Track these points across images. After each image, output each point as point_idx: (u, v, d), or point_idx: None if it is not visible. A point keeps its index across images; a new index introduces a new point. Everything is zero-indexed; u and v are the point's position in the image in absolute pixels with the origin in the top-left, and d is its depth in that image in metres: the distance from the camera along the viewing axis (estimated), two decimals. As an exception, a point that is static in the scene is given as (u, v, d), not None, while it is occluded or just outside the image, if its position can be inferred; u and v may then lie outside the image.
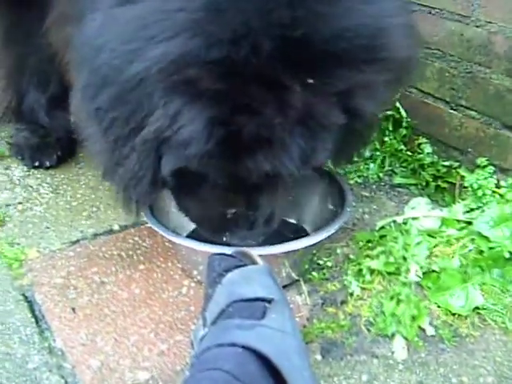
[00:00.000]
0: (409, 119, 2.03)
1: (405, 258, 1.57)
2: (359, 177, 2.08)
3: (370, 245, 1.69)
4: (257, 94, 1.30)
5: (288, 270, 1.58)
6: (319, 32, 1.29)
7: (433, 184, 1.96)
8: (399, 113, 2.03)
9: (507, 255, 1.57)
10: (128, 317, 1.56)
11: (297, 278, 1.61)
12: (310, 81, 1.32)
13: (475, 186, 1.78)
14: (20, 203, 1.99)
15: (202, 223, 1.63)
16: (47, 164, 2.12)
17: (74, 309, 1.57)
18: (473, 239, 1.64)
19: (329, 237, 1.59)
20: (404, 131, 2.04)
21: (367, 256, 1.63)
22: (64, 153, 2.16)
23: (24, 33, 2.02)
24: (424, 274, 1.55)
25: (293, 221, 1.86)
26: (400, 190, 2.04)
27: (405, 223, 1.70)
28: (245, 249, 1.42)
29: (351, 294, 1.55)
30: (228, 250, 1.42)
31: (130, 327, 1.52)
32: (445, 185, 1.94)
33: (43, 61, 2.03)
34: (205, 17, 1.27)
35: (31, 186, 2.07)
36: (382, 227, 1.74)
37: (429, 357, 1.43)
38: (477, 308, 1.53)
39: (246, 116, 1.30)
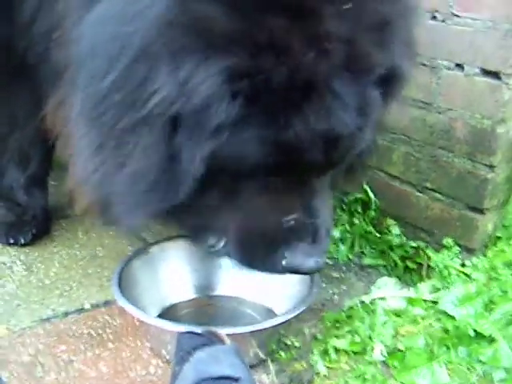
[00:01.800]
0: (377, 201, 2.10)
1: (371, 338, 1.60)
2: (329, 258, 2.11)
3: (337, 325, 1.71)
4: (280, 26, 1.05)
5: (255, 349, 1.58)
6: None
7: (401, 264, 2.00)
8: (367, 195, 2.09)
9: (472, 333, 1.59)
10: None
11: (264, 357, 1.61)
12: (346, 6, 1.11)
13: (441, 266, 1.83)
14: (-8, 280, 2.00)
15: (249, 246, 1.29)
16: (22, 241, 2.12)
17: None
18: (439, 318, 1.68)
19: (296, 317, 1.60)
20: (373, 213, 2.10)
21: (334, 336, 1.65)
22: (39, 230, 2.16)
23: (9, 115, 2.02)
24: (390, 353, 1.57)
25: (261, 302, 1.87)
26: (369, 270, 2.07)
27: (372, 303, 1.74)
28: (213, 328, 1.41)
29: (318, 374, 1.55)
30: (196, 329, 1.42)
31: (96, 406, 1.52)
32: (413, 265, 1.98)
33: (26, 141, 2.04)
34: None
35: (4, 263, 2.06)
36: (350, 307, 1.77)
37: None
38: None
39: (271, 56, 1.05)
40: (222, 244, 1.34)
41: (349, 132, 1.15)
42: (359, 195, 2.13)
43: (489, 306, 1.65)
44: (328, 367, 1.56)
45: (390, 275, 2.00)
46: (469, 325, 1.60)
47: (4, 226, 2.16)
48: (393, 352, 1.57)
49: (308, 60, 1.07)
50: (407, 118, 1.97)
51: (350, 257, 2.12)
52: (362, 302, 1.75)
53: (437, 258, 1.83)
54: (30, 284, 1.97)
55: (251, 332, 1.56)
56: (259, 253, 1.29)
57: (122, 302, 1.64)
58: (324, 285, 1.96)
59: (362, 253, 2.12)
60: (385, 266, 2.07)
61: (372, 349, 1.56)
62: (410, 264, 1.99)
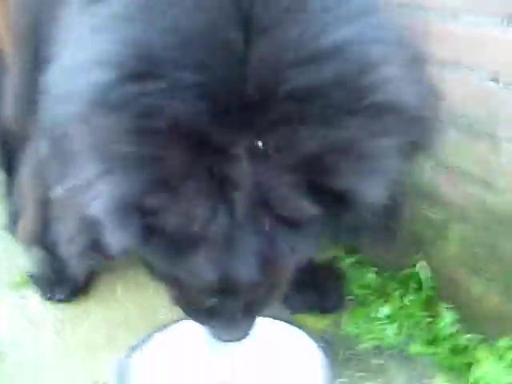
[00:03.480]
0: (430, 281, 1.85)
1: None
2: (372, 339, 1.87)
3: None
4: (180, 163, 0.96)
5: None
6: (274, 72, 0.98)
7: (449, 359, 1.73)
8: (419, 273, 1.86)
9: None
10: None
11: None
12: (259, 143, 0.97)
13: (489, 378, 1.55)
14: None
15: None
16: (58, 298, 2.08)
17: None
18: None
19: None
20: (424, 294, 1.85)
21: None
22: (78, 288, 2.11)
23: None
24: None
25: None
26: (415, 359, 1.81)
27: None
28: None
29: None
30: None
31: None
32: (462, 361, 1.71)
33: None
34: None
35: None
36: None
37: None
38: None
39: (163, 198, 0.99)
40: None
41: (248, 280, 1.05)
42: (413, 271, 1.90)
43: None
44: None
45: (436, 369, 1.74)
46: None
47: (43, 280, 2.14)
48: None
49: (202, 210, 0.97)
50: (461, 194, 1.70)
51: (395, 342, 1.87)
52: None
53: (485, 366, 1.55)
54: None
55: None
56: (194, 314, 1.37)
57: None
58: (361, 374, 1.76)
59: (409, 338, 1.87)
60: (433, 355, 1.81)
61: None
62: (459, 360, 1.72)
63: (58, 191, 1.20)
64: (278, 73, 0.98)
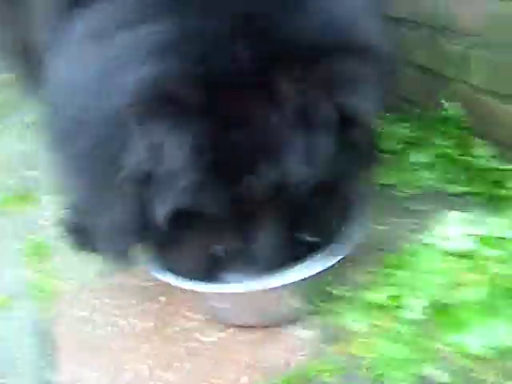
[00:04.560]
0: (461, 118, 1.77)
1: (418, 289, 1.36)
2: (411, 187, 1.83)
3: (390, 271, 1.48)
4: (240, 101, 1.16)
5: (290, 301, 1.44)
6: (292, 27, 1.19)
7: (489, 192, 1.68)
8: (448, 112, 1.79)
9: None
10: (132, 352, 1.53)
11: (301, 310, 1.47)
12: (297, 72, 1.17)
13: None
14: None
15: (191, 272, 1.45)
16: None
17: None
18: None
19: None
20: (457, 132, 1.78)
21: (378, 285, 1.43)
22: None
23: None
24: (439, 308, 1.33)
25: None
26: (456, 200, 1.76)
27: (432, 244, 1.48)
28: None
29: (357, 332, 1.37)
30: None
31: (128, 363, 1.49)
32: (504, 192, 1.65)
33: None
34: (177, 36, 1.18)
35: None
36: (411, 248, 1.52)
37: (435, 408, 1.22)
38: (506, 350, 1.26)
39: (235, 130, 1.16)
40: None
41: (298, 177, 1.20)
42: (445, 114, 1.82)
43: None
44: (369, 325, 1.37)
45: (480, 204, 1.69)
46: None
47: None
48: (444, 307, 1.33)
49: (267, 127, 1.16)
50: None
51: (435, 185, 1.82)
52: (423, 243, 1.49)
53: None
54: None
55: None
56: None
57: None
58: (397, 220, 1.73)
59: (448, 181, 1.82)
60: (476, 193, 1.75)
61: (417, 304, 1.33)
62: (500, 191, 1.66)
63: None
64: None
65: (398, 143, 1.97)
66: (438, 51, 1.79)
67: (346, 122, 1.21)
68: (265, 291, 1.34)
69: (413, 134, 1.95)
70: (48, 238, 2.01)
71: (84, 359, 1.53)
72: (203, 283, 1.43)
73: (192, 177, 1.18)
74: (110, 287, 1.76)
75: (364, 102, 1.23)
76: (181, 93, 1.14)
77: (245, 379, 1.37)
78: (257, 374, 1.37)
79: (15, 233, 2.12)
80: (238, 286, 1.40)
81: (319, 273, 1.40)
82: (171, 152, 1.16)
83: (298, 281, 1.38)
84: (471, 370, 1.24)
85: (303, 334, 1.44)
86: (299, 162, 1.19)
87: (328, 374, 1.33)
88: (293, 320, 1.46)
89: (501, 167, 1.69)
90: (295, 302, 1.45)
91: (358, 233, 1.46)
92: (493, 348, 1.25)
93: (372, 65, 1.23)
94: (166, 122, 1.16)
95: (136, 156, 1.20)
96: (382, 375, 1.26)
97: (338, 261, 1.40)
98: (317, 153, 1.21)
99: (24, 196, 2.35)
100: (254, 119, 1.16)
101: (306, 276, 1.38)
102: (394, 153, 1.94)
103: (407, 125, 1.97)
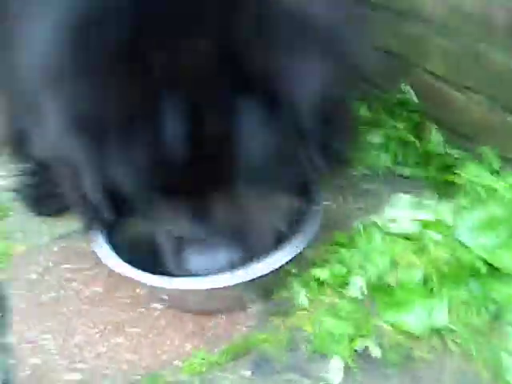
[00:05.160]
0: (417, 103, 1.82)
1: (361, 268, 1.42)
2: (366, 168, 1.88)
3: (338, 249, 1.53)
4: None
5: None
6: None
7: (439, 176, 1.74)
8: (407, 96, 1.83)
9: (485, 268, 1.36)
10: (84, 316, 1.57)
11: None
12: None
13: (474, 180, 1.54)
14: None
15: None
16: None
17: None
18: (453, 247, 1.43)
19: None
20: (413, 116, 1.83)
21: (325, 262, 1.48)
22: None
23: None
24: (379, 286, 1.39)
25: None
26: (407, 182, 1.81)
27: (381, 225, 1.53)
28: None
29: (299, 306, 1.43)
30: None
31: (80, 327, 1.54)
32: (453, 178, 1.71)
33: None
34: None
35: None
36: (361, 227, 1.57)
37: (368, 381, 1.29)
38: (438, 329, 1.34)
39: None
40: None
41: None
42: (402, 97, 1.86)
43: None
44: (310, 299, 1.42)
45: (429, 188, 1.74)
46: (483, 256, 1.37)
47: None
48: (383, 286, 1.39)
49: None
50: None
51: (387, 168, 1.88)
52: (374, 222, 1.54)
53: (466, 171, 1.54)
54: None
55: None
56: None
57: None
58: (350, 198, 1.78)
59: (401, 163, 1.87)
60: (426, 177, 1.81)
61: (359, 281, 1.39)
62: (449, 176, 1.72)
63: None
64: None
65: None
66: (401, 35, 1.81)
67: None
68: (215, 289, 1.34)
69: (370, 115, 1.99)
70: (1, 200, 2.01)
71: (35, 321, 1.56)
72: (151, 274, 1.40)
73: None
74: (64, 250, 1.79)
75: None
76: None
77: (188, 346, 1.43)
78: (200, 342, 1.43)
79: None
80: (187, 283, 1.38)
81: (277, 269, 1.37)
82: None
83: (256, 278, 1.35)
84: (405, 347, 1.32)
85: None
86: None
87: (268, 344, 1.39)
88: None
89: (451, 153, 1.75)
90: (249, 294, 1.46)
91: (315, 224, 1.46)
92: (426, 327, 1.33)
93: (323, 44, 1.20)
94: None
95: None
96: (322, 348, 1.33)
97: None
98: None
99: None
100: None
101: (263, 273, 1.35)
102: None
103: (366, 105, 2.01)
